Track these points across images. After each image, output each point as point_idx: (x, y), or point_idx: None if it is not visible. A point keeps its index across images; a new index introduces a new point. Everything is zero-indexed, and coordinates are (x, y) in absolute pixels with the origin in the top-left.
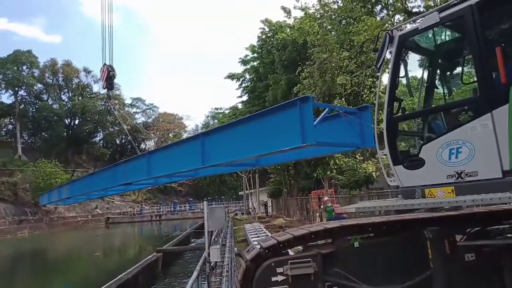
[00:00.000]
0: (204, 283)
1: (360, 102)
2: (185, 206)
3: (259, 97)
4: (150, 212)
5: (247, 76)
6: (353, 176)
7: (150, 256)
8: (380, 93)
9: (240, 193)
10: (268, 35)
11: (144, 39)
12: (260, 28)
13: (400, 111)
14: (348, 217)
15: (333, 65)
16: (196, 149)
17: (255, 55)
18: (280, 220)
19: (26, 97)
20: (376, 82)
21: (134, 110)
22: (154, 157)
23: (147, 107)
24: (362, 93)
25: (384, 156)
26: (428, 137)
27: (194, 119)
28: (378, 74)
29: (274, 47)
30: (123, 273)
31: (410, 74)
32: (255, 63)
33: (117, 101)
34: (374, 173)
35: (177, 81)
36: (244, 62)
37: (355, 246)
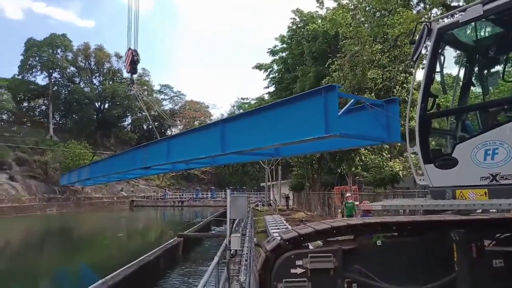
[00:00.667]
0: (223, 270)
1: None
2: (207, 194)
3: (286, 88)
4: (173, 198)
5: (275, 67)
6: (378, 173)
7: (172, 240)
8: (413, 89)
9: (261, 184)
10: (299, 25)
11: (173, 27)
12: (291, 19)
13: (435, 107)
14: (372, 215)
15: (365, 58)
16: (216, 135)
17: (284, 45)
18: (301, 214)
19: (60, 79)
20: (409, 78)
21: (162, 96)
22: (173, 142)
23: (174, 94)
24: (394, 89)
25: (413, 155)
26: (463, 136)
27: (220, 108)
28: (412, 69)
29: (304, 38)
30: (145, 255)
31: (444, 71)
32: (284, 54)
33: (146, 87)
34: (400, 172)
35: (205, 70)
36: (272, 52)
37: (378, 244)
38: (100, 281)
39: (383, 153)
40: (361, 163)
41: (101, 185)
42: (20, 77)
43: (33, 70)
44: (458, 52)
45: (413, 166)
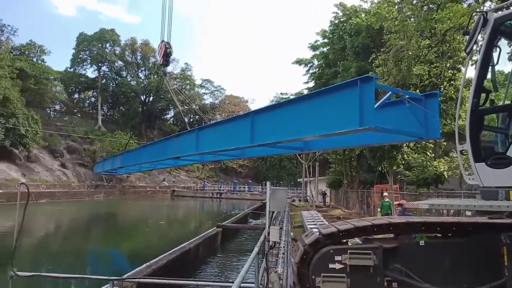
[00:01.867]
0: (262, 261)
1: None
2: (244, 187)
3: (326, 84)
4: (211, 189)
5: (315, 62)
6: (422, 173)
7: (211, 230)
8: (463, 86)
9: (298, 180)
10: (341, 20)
11: (214, 22)
12: (333, 13)
13: (488, 103)
14: (414, 215)
15: (411, 53)
16: (246, 127)
17: (326, 40)
18: (338, 211)
19: (108, 72)
20: (458, 75)
21: (203, 91)
22: (203, 133)
23: (215, 89)
24: (441, 85)
25: (463, 155)
26: None
27: (259, 103)
28: (461, 65)
29: (347, 33)
30: (186, 243)
31: (496, 67)
32: (324, 49)
33: (188, 81)
34: (445, 172)
35: (245, 65)
36: (313, 47)
37: (421, 244)
38: (144, 265)
39: (427, 152)
40: (403, 162)
41: (144, 175)
42: (71, 70)
43: (84, 64)
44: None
45: (462, 164)
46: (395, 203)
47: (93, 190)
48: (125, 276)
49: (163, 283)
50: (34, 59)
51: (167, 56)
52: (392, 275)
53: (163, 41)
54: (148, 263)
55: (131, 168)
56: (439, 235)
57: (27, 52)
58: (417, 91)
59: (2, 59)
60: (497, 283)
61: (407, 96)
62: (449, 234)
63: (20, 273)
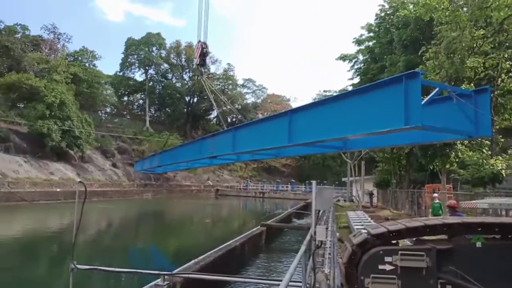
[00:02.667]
0: (308, 260)
1: (494, 89)
2: (287, 187)
3: (372, 79)
4: (254, 189)
5: (360, 57)
6: (477, 172)
7: (255, 229)
8: None
9: (343, 179)
10: (388, 12)
11: (257, 22)
12: (379, 6)
13: None
14: (465, 215)
15: (464, 45)
16: (283, 126)
17: (371, 34)
18: (387, 212)
19: (154, 75)
20: None
21: (245, 90)
22: (239, 132)
23: (257, 88)
24: (499, 78)
25: None
26: None
27: (301, 101)
28: None
29: (394, 25)
30: (232, 241)
31: None
32: (370, 43)
33: (230, 81)
34: (503, 170)
35: (287, 63)
36: (358, 42)
37: (478, 246)
38: (192, 261)
39: (483, 150)
40: (457, 160)
41: (189, 174)
42: (121, 73)
43: (132, 67)
44: None
45: None
46: (446, 204)
47: (142, 189)
48: (175, 271)
49: (212, 279)
50: (87, 64)
51: (203, 55)
52: (446, 278)
53: (199, 41)
54: (196, 260)
55: (169, 167)
56: (498, 236)
57: (80, 58)
58: (472, 84)
59: (58, 65)
60: None
61: (455, 92)
62: (510, 236)
63: (80, 266)
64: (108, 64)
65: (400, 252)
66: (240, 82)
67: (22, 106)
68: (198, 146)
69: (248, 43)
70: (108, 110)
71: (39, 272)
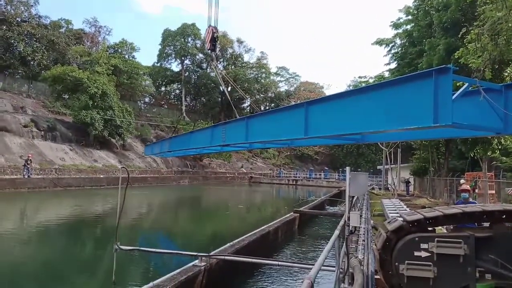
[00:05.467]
0: (342, 245)
1: None
2: (320, 174)
3: (410, 64)
4: (287, 176)
5: (398, 41)
6: None
7: (288, 215)
8: None
9: (378, 167)
10: None
11: (290, 9)
12: None
13: None
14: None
15: (510, 25)
16: (300, 118)
17: (410, 17)
18: (424, 200)
19: (190, 65)
20: None
21: (279, 78)
22: (253, 121)
23: (290, 76)
24: None
25: None
26: None
27: (335, 88)
28: None
29: (433, 8)
30: (266, 226)
31: None
32: (408, 27)
33: (264, 70)
34: None
35: (320, 50)
36: (395, 25)
37: None
38: (228, 244)
39: None
40: (499, 147)
41: (224, 162)
42: (158, 64)
43: (169, 58)
44: None
45: None
46: (459, 188)
47: (179, 176)
48: (212, 253)
49: (247, 261)
50: (126, 56)
51: (214, 40)
52: (485, 266)
53: (210, 26)
54: (231, 243)
55: (178, 152)
56: None
57: (119, 50)
58: None
59: (100, 57)
60: None
61: (482, 87)
62: None
63: (123, 247)
64: (146, 55)
65: (436, 239)
66: (273, 70)
67: (67, 97)
68: (210, 134)
69: (282, 30)
70: (147, 100)
71: (86, 253)
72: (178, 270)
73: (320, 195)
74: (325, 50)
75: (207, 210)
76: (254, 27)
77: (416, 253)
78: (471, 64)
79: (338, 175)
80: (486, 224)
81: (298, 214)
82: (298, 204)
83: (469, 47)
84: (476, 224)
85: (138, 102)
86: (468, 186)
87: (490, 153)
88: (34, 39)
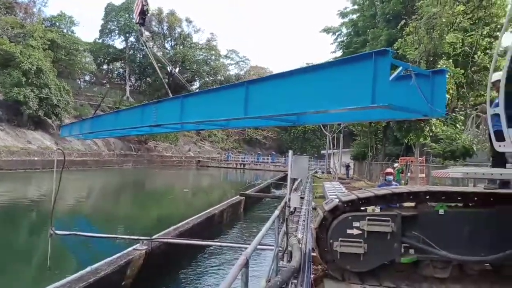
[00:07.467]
0: (282, 226)
1: (469, 65)
2: (267, 158)
3: (354, 53)
4: (235, 160)
5: (344, 30)
6: (449, 146)
7: (234, 198)
8: (499, 55)
9: (322, 152)
10: None
11: None
12: None
13: None
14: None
15: (444, 20)
16: (240, 97)
17: (356, 7)
18: (361, 183)
19: (135, 43)
20: (494, 43)
21: (228, 61)
22: (189, 100)
23: (240, 59)
24: (475, 54)
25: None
26: None
27: None
28: (499, 32)
29: None
30: (211, 208)
31: None
32: (354, 16)
33: (213, 52)
34: (474, 145)
35: (271, 35)
36: (342, 14)
37: (440, 213)
38: (172, 227)
39: (457, 125)
40: (430, 134)
41: (171, 145)
42: (100, 40)
43: (112, 34)
44: None
45: (492, 130)
46: (384, 171)
47: (122, 159)
48: (154, 236)
49: (188, 243)
50: (64, 30)
51: (143, 14)
52: (409, 242)
53: None
54: (175, 226)
55: (102, 134)
56: (460, 204)
57: (57, 23)
58: (450, 61)
59: (34, 30)
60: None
61: (414, 72)
62: (470, 204)
63: (58, 232)
64: (87, 31)
65: (367, 217)
66: (223, 53)
67: None
68: (140, 113)
69: (233, 13)
70: (87, 78)
71: (19, 239)
72: (118, 254)
73: (267, 179)
74: (276, 36)
75: (151, 194)
76: (204, 9)
77: (348, 231)
78: (408, 55)
79: (285, 159)
80: (412, 204)
81: (244, 197)
82: (244, 188)
83: (407, 39)
84: (398, 204)
85: (78, 80)
86: (392, 170)
87: (422, 139)
88: None
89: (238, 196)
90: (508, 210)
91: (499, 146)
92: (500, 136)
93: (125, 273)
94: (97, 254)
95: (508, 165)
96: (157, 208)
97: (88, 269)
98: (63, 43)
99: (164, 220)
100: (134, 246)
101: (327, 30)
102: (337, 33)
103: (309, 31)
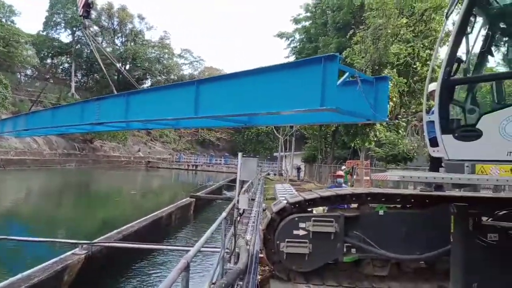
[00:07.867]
0: (230, 227)
1: (410, 75)
2: (220, 160)
3: None
4: (187, 161)
5: (297, 36)
6: (391, 150)
7: (184, 200)
8: (436, 66)
9: (275, 154)
10: None
11: None
12: None
13: (460, 73)
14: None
15: (389, 31)
16: (190, 96)
17: (308, 14)
18: (311, 185)
19: (82, 37)
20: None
21: (182, 61)
22: (135, 98)
23: (194, 59)
24: (414, 65)
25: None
26: (491, 106)
27: None
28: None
29: (329, 8)
30: (158, 211)
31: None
32: (307, 23)
33: (166, 50)
34: (414, 150)
35: (227, 37)
36: (296, 21)
37: (380, 214)
38: (115, 231)
39: (399, 130)
40: (375, 139)
41: (119, 145)
42: (44, 33)
43: (57, 27)
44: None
45: (428, 136)
46: (335, 174)
47: (64, 159)
48: (95, 240)
49: (131, 247)
50: (3, 20)
51: (88, 6)
52: (351, 242)
53: None
54: (118, 230)
55: (38, 131)
56: (398, 205)
57: None
58: (394, 70)
59: None
60: (443, 249)
61: (360, 78)
62: (408, 205)
63: None
64: (31, 22)
65: (313, 218)
66: (177, 52)
67: None
68: (80, 110)
69: (188, 13)
70: (28, 72)
71: None
72: (54, 260)
73: (219, 181)
74: (232, 39)
75: (96, 196)
76: (158, 8)
77: (295, 232)
78: (356, 64)
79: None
80: (355, 205)
81: (194, 199)
82: (195, 189)
83: (355, 48)
84: (346, 205)
85: (18, 74)
86: (342, 172)
87: (367, 144)
88: None
89: (188, 198)
90: (441, 211)
91: (433, 151)
92: (434, 142)
93: (62, 279)
94: (32, 260)
95: (440, 169)
96: (101, 211)
97: (19, 276)
98: (1, 33)
99: (109, 223)
100: (72, 251)
101: (281, 35)
102: (290, 39)
103: (264, 35)
